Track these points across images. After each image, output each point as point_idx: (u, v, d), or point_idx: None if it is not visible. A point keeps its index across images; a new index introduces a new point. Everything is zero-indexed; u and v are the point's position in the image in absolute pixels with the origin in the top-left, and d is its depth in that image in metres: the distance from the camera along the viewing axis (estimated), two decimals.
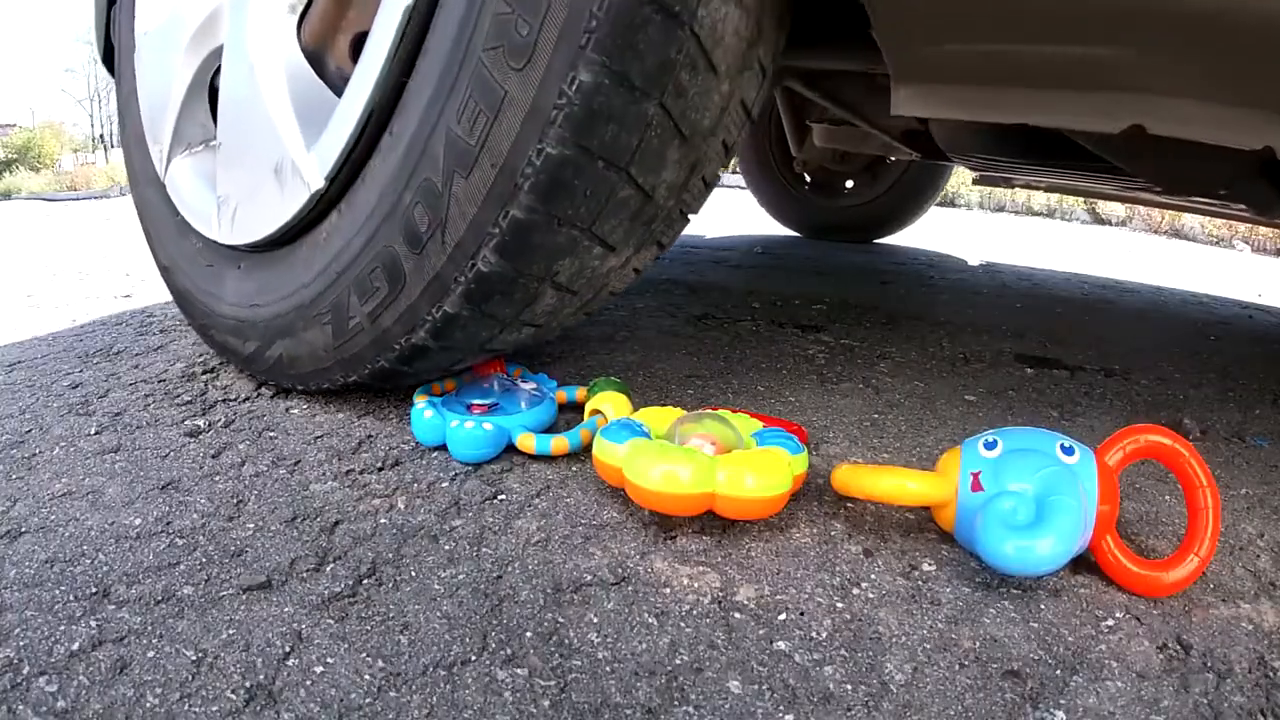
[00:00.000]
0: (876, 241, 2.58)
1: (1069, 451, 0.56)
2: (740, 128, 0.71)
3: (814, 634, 0.50)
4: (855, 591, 0.54)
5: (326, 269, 0.73)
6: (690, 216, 0.76)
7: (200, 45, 0.85)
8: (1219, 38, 0.50)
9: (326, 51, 0.77)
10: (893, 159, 2.34)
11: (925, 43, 0.60)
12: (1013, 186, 1.78)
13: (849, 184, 2.47)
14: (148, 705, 0.41)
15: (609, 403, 0.74)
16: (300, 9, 0.75)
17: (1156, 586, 0.55)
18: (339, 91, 0.72)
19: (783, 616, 0.51)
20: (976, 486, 0.56)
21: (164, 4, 0.90)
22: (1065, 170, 1.12)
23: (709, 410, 0.71)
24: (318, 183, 0.71)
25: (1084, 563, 0.58)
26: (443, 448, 0.72)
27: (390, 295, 0.69)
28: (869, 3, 0.59)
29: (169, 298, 1.38)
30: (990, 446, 0.58)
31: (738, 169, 2.77)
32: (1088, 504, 0.54)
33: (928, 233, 3.08)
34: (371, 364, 0.74)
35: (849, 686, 0.45)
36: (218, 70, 0.85)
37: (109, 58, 1.07)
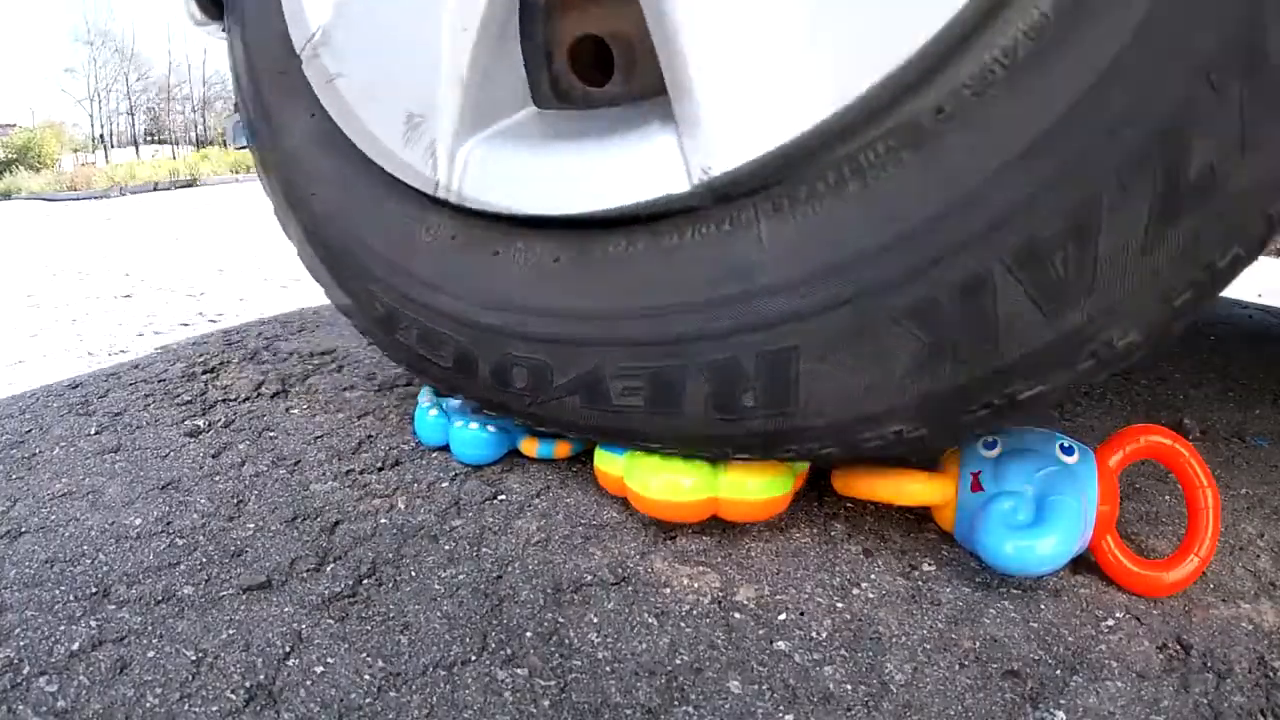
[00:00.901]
0: None
1: (1069, 451, 0.56)
2: None
3: (814, 634, 0.50)
4: (855, 591, 0.54)
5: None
6: None
7: None
8: None
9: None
10: None
11: None
12: None
13: None
14: (148, 705, 0.41)
15: None
16: None
17: (1157, 586, 0.55)
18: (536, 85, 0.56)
19: (783, 616, 0.51)
20: (976, 487, 0.56)
21: None
22: None
23: None
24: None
25: (1084, 563, 0.58)
26: (444, 448, 0.72)
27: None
28: None
29: (168, 298, 1.38)
30: (990, 446, 0.58)
31: None
32: (1088, 504, 0.54)
33: None
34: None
35: (849, 686, 0.45)
36: None
37: None
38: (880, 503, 0.64)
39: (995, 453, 0.57)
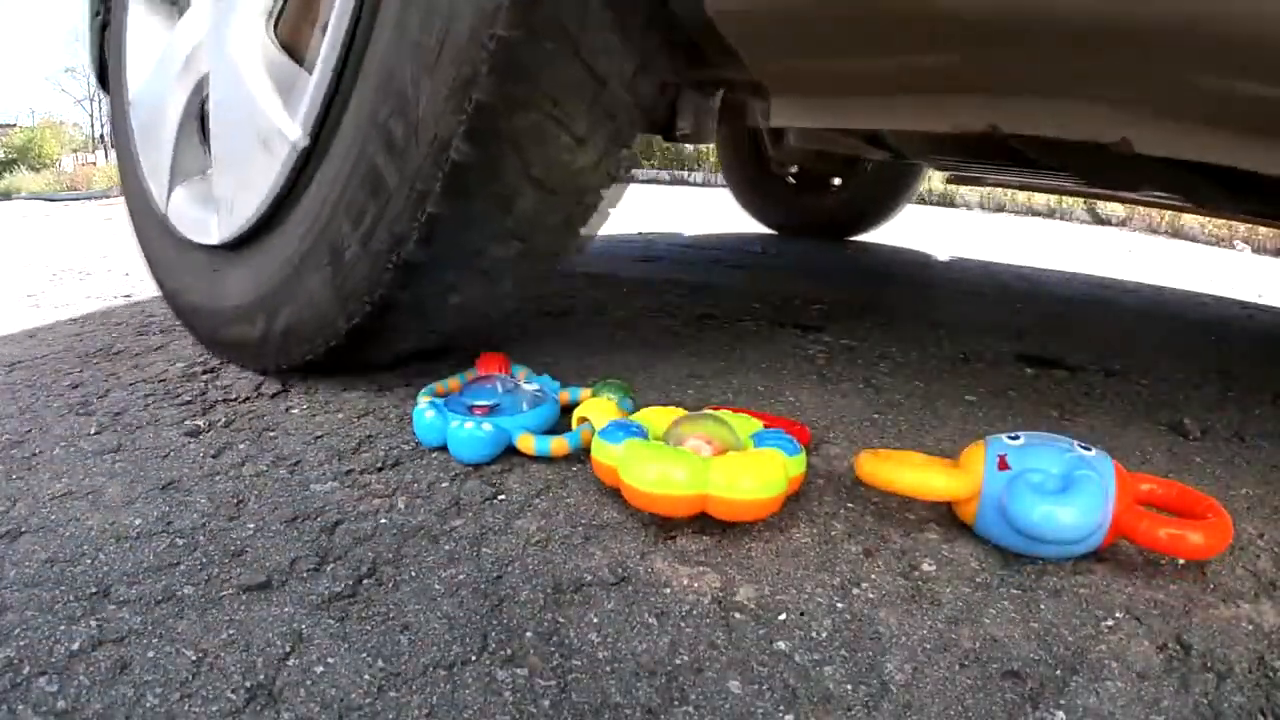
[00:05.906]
0: (876, 241, 2.59)
1: (1086, 448, 0.60)
2: None
3: (814, 634, 0.50)
4: (855, 591, 0.54)
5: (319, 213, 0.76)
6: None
7: (187, 79, 0.91)
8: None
9: (300, 45, 0.82)
10: (869, 160, 2.36)
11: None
12: (984, 185, 1.88)
13: (836, 181, 2.53)
14: (148, 705, 0.41)
15: (595, 409, 0.73)
16: (275, 12, 0.82)
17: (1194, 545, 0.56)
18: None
19: (783, 616, 0.51)
20: (1003, 465, 0.59)
21: (151, 61, 0.98)
22: (1012, 169, 1.23)
23: (708, 411, 0.71)
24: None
25: (1084, 563, 0.58)
26: (443, 448, 0.72)
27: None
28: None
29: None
30: (1014, 438, 0.62)
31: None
32: (1108, 485, 0.56)
33: (928, 233, 3.08)
34: (370, 298, 0.76)
35: (849, 686, 0.45)
36: (206, 99, 0.92)
37: (103, 76, 1.16)
38: (903, 495, 0.63)
39: (1019, 442, 0.60)
